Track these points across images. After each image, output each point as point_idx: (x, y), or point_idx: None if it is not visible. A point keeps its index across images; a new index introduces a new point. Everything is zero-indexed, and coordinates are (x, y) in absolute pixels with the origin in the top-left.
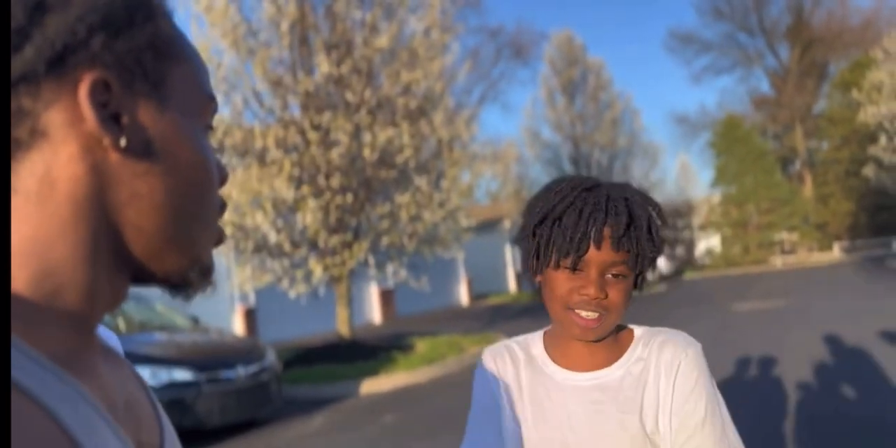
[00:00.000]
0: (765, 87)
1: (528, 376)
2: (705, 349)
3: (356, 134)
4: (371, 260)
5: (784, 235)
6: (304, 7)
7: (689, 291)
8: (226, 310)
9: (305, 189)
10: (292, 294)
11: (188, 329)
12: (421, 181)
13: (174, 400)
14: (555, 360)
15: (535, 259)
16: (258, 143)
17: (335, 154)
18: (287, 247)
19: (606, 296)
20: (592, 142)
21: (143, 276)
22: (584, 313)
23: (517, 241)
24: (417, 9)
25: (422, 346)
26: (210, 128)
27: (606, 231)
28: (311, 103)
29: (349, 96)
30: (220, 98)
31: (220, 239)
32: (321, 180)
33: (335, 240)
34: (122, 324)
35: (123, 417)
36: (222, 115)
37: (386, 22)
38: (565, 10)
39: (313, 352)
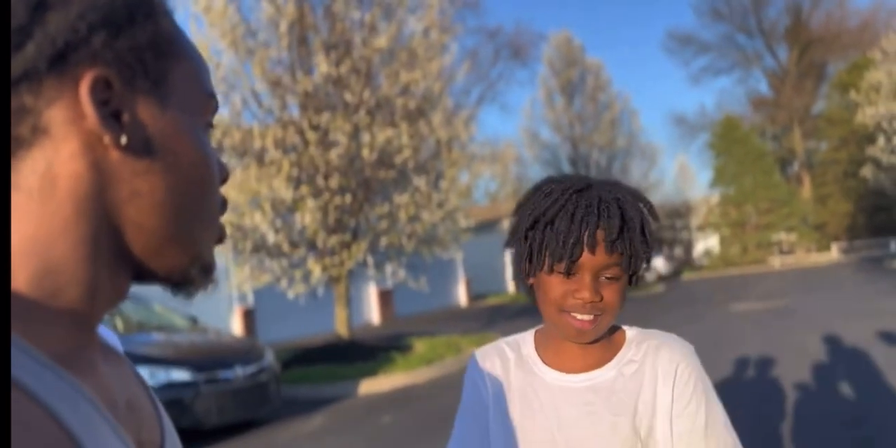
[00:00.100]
0: (763, 88)
1: (517, 377)
2: (703, 349)
3: (355, 134)
4: (370, 260)
5: (782, 236)
6: (302, 7)
7: (687, 292)
8: (224, 310)
9: (304, 189)
10: (291, 294)
11: (186, 329)
12: (420, 181)
13: (172, 400)
14: (545, 361)
15: (528, 262)
16: (257, 144)
17: (334, 154)
18: (286, 247)
19: (601, 298)
20: (591, 142)
21: (144, 274)
22: (579, 316)
23: (508, 243)
24: (416, 9)
25: (420, 346)
26: (211, 126)
27: (600, 235)
28: (309, 103)
29: (348, 96)
30: (218, 98)
31: (221, 237)
32: (320, 180)
33: (334, 240)
34: (120, 324)
35: (124, 416)
36: (221, 116)
37: (385, 22)
38: (564, 10)
39: (312, 352)
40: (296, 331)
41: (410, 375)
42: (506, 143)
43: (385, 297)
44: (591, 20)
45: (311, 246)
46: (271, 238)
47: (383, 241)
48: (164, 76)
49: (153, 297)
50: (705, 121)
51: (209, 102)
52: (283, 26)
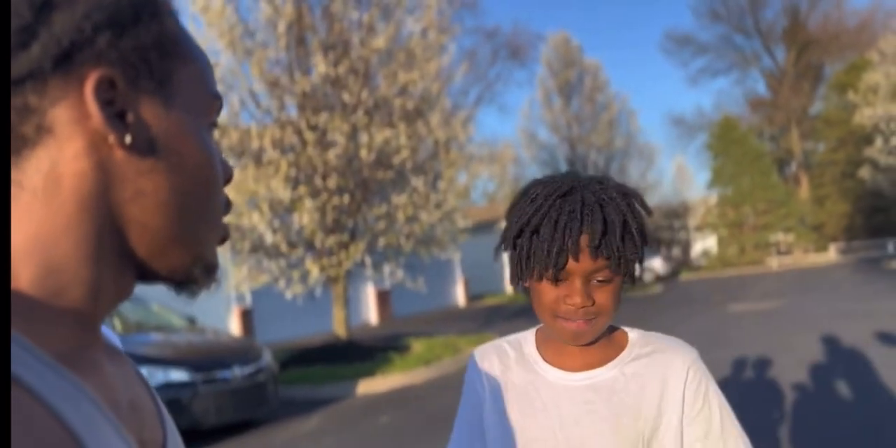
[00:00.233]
0: (761, 88)
1: (518, 375)
2: (701, 350)
3: (353, 134)
4: (368, 260)
5: (780, 237)
6: (301, 8)
7: (685, 292)
8: (222, 310)
9: (302, 189)
10: (289, 294)
11: (184, 329)
12: (418, 182)
13: (170, 400)
14: (547, 359)
15: (519, 270)
16: (255, 144)
17: (332, 155)
18: (284, 247)
19: (593, 302)
20: (589, 143)
21: (147, 273)
22: (573, 320)
23: (498, 249)
24: (414, 9)
25: (418, 346)
26: (215, 126)
27: (583, 240)
28: (307, 104)
29: (346, 97)
30: None
31: (224, 237)
32: (318, 181)
33: (332, 240)
34: (118, 324)
35: (126, 416)
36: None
37: (383, 23)
38: (562, 11)
39: (310, 352)
40: (294, 331)
41: (408, 376)
42: (504, 143)
43: (383, 298)
44: (589, 21)
45: (309, 246)
46: (269, 238)
47: (381, 242)
48: (168, 76)
49: (151, 298)
50: (703, 121)
51: (214, 103)
52: (282, 26)
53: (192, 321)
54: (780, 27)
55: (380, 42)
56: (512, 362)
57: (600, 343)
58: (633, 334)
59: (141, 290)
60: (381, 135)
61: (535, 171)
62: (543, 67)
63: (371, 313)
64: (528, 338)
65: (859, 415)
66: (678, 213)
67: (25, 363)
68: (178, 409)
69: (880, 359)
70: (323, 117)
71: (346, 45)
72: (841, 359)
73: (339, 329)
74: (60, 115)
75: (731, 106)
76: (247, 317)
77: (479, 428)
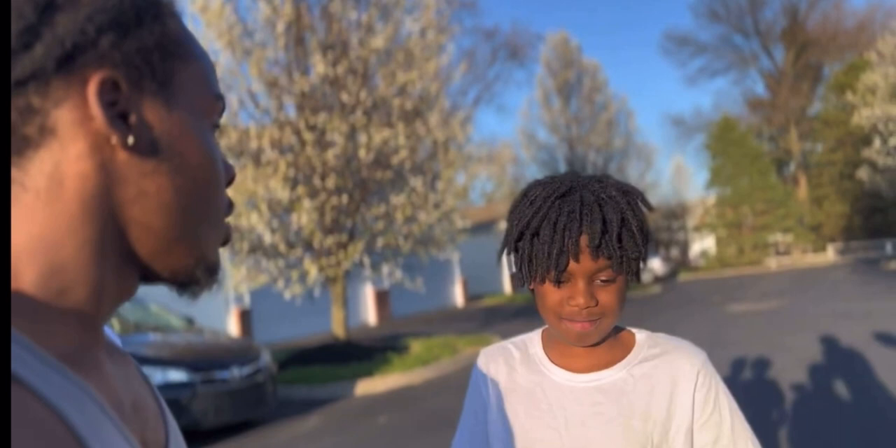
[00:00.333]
0: (760, 89)
1: (524, 376)
2: None
3: (352, 135)
4: (366, 261)
5: (778, 237)
6: (299, 8)
7: (683, 293)
8: (221, 311)
9: (301, 190)
10: (287, 295)
11: (183, 330)
12: (416, 182)
13: (168, 401)
14: (553, 360)
15: (521, 272)
16: (253, 144)
17: (331, 155)
18: (282, 247)
19: (597, 303)
20: (588, 143)
21: (149, 274)
22: (578, 322)
23: (500, 253)
24: (413, 10)
25: (417, 347)
26: (217, 127)
27: (583, 241)
28: (306, 104)
29: (345, 97)
30: None
31: (227, 238)
32: (316, 181)
33: (330, 240)
34: (116, 325)
35: (129, 416)
36: None
37: (382, 23)
38: (561, 11)
39: (308, 353)
40: (292, 331)
41: (407, 376)
42: (502, 143)
43: (381, 298)
44: (588, 21)
45: (308, 246)
46: (268, 238)
47: (380, 242)
48: (171, 77)
49: (149, 298)
50: (702, 122)
51: (216, 103)
52: (280, 27)
53: (190, 321)
54: (778, 27)
55: (378, 42)
56: (517, 363)
57: (607, 344)
58: (640, 335)
59: (140, 290)
60: (379, 135)
61: (533, 171)
62: (542, 67)
63: (369, 314)
64: (533, 339)
65: (858, 415)
66: (676, 213)
67: (29, 364)
68: (176, 410)
69: (878, 359)
70: (321, 117)
71: (345, 45)
72: (839, 359)
73: (337, 329)
74: (63, 116)
75: (730, 106)
76: (245, 317)
77: (480, 436)
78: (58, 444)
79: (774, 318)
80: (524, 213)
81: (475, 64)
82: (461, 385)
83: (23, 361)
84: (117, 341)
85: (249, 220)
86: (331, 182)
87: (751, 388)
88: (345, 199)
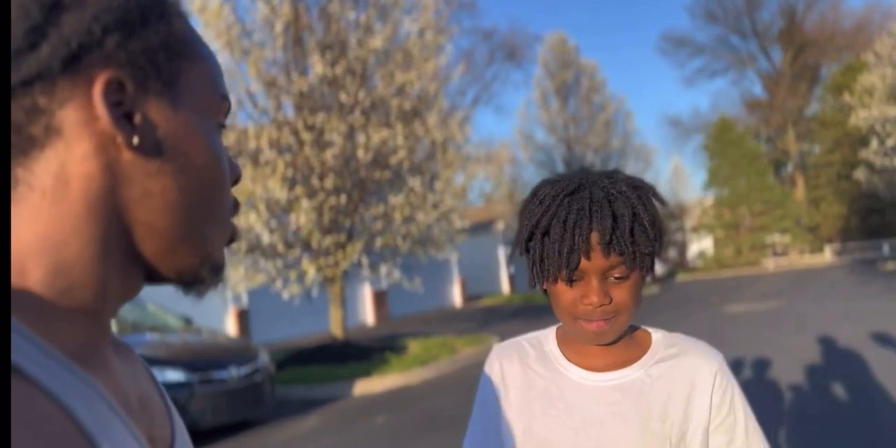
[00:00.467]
0: (757, 89)
1: (539, 374)
2: None
3: (350, 135)
4: (364, 261)
5: (776, 238)
6: (298, 8)
7: (681, 293)
8: (219, 311)
9: (299, 190)
10: (285, 295)
11: (181, 330)
12: (414, 182)
13: None
14: (569, 358)
15: (534, 272)
16: (252, 144)
17: (329, 155)
18: (280, 247)
19: (611, 301)
20: (585, 144)
21: (154, 274)
22: (593, 320)
23: (512, 254)
24: (412, 10)
25: (415, 347)
26: (223, 127)
27: (594, 238)
28: (304, 104)
29: (343, 97)
30: None
31: (233, 237)
32: (315, 181)
33: (329, 240)
34: (114, 324)
35: (136, 413)
36: None
37: (380, 23)
38: (559, 12)
39: (306, 353)
40: (290, 331)
41: (405, 376)
42: (500, 144)
43: (380, 298)
44: (586, 21)
45: (306, 246)
46: (266, 238)
47: (378, 242)
48: (176, 77)
49: (148, 298)
50: (699, 122)
51: (222, 103)
52: (279, 27)
53: (188, 321)
54: (776, 28)
55: (377, 42)
56: (532, 361)
57: (623, 342)
58: (656, 334)
59: None
60: (377, 135)
61: (531, 172)
62: (540, 68)
63: (368, 314)
64: (548, 336)
65: (855, 415)
66: (674, 214)
67: (37, 361)
68: None
69: (876, 359)
70: (320, 117)
71: (344, 45)
72: (837, 359)
73: (335, 329)
74: (69, 116)
75: (728, 107)
76: (243, 317)
77: (493, 434)
78: (66, 440)
79: (772, 319)
80: (534, 213)
81: (473, 64)
82: (459, 385)
83: (31, 358)
84: None
85: (248, 220)
86: (329, 182)
87: (749, 389)
88: (343, 199)
